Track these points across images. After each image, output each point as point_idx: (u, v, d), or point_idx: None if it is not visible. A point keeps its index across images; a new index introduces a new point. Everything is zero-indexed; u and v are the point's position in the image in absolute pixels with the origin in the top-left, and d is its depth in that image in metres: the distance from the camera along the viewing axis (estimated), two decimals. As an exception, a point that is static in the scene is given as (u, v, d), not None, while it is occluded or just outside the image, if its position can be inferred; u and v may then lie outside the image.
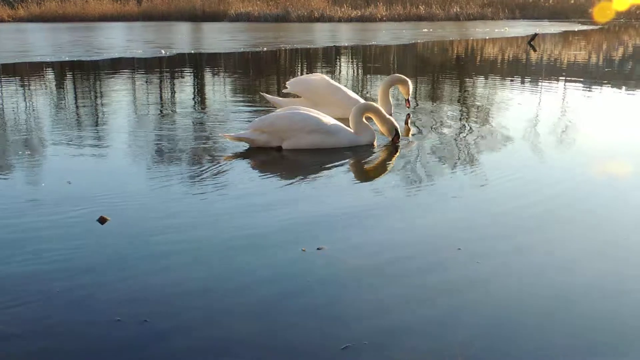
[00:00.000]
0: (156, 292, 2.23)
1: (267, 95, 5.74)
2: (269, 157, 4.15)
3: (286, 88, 5.46)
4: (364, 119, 4.40)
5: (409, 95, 5.69)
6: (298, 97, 5.51)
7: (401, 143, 4.41)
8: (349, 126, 4.40)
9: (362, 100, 5.16)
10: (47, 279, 2.32)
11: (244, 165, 3.94)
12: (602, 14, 30.37)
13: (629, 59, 12.49)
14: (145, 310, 2.09)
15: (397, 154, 4.19)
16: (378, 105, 4.57)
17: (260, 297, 2.20)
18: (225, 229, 2.85)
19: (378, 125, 4.44)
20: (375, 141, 4.45)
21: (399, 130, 4.45)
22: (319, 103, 5.17)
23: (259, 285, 2.29)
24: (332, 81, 5.41)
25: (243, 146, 4.35)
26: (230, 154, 4.19)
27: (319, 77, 5.43)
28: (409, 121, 5.03)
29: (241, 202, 3.22)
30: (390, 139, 4.44)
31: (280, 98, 5.70)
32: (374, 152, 4.27)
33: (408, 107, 5.76)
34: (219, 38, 18.79)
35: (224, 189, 3.46)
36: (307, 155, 4.18)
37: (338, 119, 4.50)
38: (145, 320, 2.03)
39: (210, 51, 13.92)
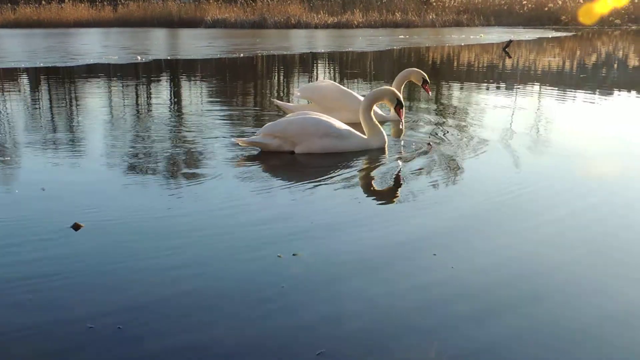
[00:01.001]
0: (130, 299, 2.21)
1: (277, 101, 5.82)
2: (280, 161, 4.18)
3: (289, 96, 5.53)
4: (374, 118, 4.47)
5: (421, 82, 5.71)
6: (304, 103, 5.63)
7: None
8: (359, 130, 4.45)
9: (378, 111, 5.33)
10: (19, 285, 2.30)
11: (226, 169, 3.93)
12: (588, 17, 30.70)
13: (602, 65, 12.67)
14: (119, 317, 2.08)
15: (400, 161, 4.16)
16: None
17: (237, 303, 2.19)
18: (202, 234, 2.84)
19: (385, 102, 4.56)
20: (387, 145, 4.48)
21: (400, 99, 4.57)
22: (331, 108, 5.26)
23: (235, 290, 2.29)
24: (342, 86, 5.52)
25: (230, 150, 4.35)
26: (207, 160, 4.19)
27: (329, 82, 5.55)
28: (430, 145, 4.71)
29: (218, 205, 3.22)
30: (393, 108, 4.57)
31: (290, 104, 5.76)
32: (382, 159, 4.26)
33: (429, 93, 5.86)
34: (196, 44, 18.73)
35: (199, 193, 3.46)
36: (317, 160, 4.22)
37: (349, 124, 4.57)
38: (119, 327, 2.02)
39: (187, 57, 13.87)
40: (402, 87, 5.74)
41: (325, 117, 4.35)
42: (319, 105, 5.36)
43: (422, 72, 5.70)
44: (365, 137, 4.42)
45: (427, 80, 5.70)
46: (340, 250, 2.67)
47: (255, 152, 4.35)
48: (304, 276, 2.41)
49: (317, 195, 3.43)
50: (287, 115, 4.60)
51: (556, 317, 2.10)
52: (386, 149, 4.46)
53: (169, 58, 13.59)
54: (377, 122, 4.51)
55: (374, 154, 4.35)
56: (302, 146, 4.28)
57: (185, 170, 3.96)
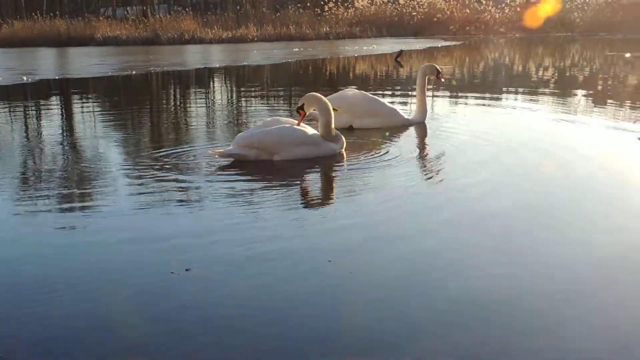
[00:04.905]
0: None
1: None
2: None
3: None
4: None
5: (435, 74, 6.00)
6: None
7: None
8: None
9: (398, 110, 5.87)
10: None
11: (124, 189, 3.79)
12: (475, 26, 31.90)
13: (490, 70, 13.19)
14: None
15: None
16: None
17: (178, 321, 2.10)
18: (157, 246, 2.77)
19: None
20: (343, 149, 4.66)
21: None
22: (359, 115, 5.68)
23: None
24: (368, 94, 5.82)
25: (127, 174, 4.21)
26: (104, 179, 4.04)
27: (355, 91, 5.90)
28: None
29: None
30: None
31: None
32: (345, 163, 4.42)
33: (443, 80, 6.23)
34: (86, 62, 18.16)
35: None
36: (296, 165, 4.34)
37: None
38: None
39: (77, 76, 13.41)
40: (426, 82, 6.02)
41: (297, 126, 4.47)
42: (348, 113, 5.63)
43: (434, 65, 6.04)
44: (332, 144, 4.57)
45: (439, 71, 6.02)
46: (235, 262, 2.62)
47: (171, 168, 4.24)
48: (202, 290, 2.35)
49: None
50: (257, 125, 4.71)
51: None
52: (343, 152, 4.63)
53: (57, 77, 13.10)
54: (333, 128, 4.62)
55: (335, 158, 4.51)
56: (280, 155, 4.39)
57: (70, 191, 3.80)
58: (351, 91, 5.91)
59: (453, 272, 2.53)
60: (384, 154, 4.62)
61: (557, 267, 2.55)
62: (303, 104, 4.54)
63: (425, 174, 4.20)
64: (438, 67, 6.01)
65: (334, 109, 5.24)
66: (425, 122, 5.91)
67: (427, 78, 6.00)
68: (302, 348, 1.98)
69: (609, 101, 7.71)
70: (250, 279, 2.49)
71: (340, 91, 5.98)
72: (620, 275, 2.46)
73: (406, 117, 5.92)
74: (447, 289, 2.38)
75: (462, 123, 6.16)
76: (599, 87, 9.62)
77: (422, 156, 4.66)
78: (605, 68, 13.11)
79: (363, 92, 5.89)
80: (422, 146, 5.15)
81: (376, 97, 5.97)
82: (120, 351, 1.97)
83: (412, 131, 5.65)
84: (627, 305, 2.22)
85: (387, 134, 5.33)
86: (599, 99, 8.14)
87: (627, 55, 15.35)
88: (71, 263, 2.72)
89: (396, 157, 4.51)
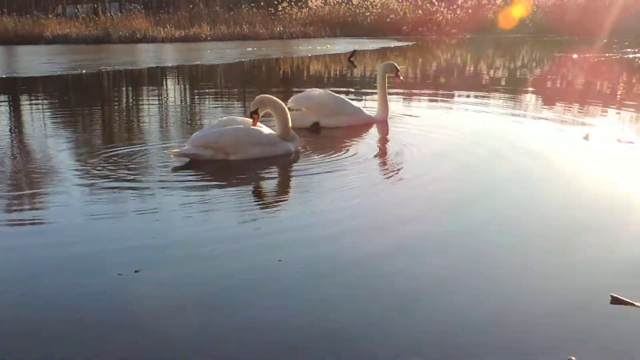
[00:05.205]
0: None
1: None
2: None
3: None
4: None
5: (394, 72, 6.09)
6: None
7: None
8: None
9: (363, 110, 5.99)
10: None
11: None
12: (427, 27, 32.24)
13: (441, 70, 13.34)
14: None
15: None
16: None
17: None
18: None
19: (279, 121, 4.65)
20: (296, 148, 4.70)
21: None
22: (326, 114, 5.77)
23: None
24: (334, 93, 5.93)
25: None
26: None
27: (321, 90, 5.96)
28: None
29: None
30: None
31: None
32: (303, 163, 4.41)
33: (402, 78, 6.30)
34: (35, 61, 17.75)
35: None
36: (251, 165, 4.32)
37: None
38: None
39: (25, 75, 13.09)
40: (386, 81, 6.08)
41: (253, 126, 4.48)
42: (315, 113, 5.76)
43: (393, 63, 6.12)
44: (289, 143, 4.60)
45: (398, 69, 6.11)
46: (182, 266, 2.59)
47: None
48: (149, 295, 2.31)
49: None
50: (213, 124, 4.69)
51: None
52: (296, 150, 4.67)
53: (4, 76, 12.77)
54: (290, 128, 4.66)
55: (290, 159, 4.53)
56: (236, 155, 4.38)
57: (19, 191, 3.72)
58: (317, 91, 5.96)
59: (401, 268, 2.56)
60: (344, 152, 4.67)
61: (514, 260, 2.61)
62: (257, 108, 4.52)
63: (384, 172, 4.24)
64: (397, 65, 6.09)
65: (298, 110, 5.31)
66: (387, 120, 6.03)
67: (386, 76, 6.05)
68: (252, 346, 1.98)
69: (559, 100, 7.88)
70: (199, 278, 2.48)
71: (306, 90, 6.03)
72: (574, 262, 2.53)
73: (370, 115, 6.02)
74: (396, 285, 2.40)
75: (419, 121, 6.24)
76: (549, 87, 9.82)
77: (381, 154, 4.71)
78: (554, 69, 13.39)
79: (328, 91, 5.95)
80: (382, 144, 5.22)
81: (342, 96, 6.03)
82: (59, 352, 1.94)
83: (374, 129, 5.74)
84: (575, 290, 2.28)
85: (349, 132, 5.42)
86: (548, 98, 8.31)
87: (575, 56, 15.70)
88: (12, 264, 2.68)
89: (354, 154, 4.57)
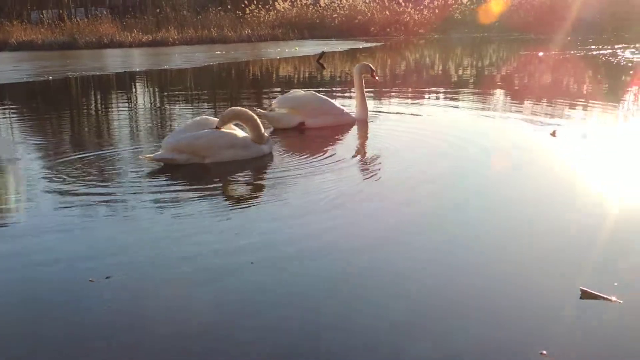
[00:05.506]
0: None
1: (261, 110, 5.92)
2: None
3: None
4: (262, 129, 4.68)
5: (370, 73, 6.15)
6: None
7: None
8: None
9: (345, 110, 6.06)
10: None
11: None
12: (395, 27, 32.36)
13: (410, 70, 13.43)
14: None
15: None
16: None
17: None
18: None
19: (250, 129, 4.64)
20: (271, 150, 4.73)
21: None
22: (311, 115, 5.82)
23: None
24: (318, 94, 6.01)
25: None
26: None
27: (306, 91, 6.05)
28: None
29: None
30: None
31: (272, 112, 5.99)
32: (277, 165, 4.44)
33: (377, 78, 6.32)
34: (0, 69, 17.50)
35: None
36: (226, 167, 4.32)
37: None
38: None
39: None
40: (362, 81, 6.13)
41: (224, 129, 4.50)
42: (300, 113, 5.81)
43: (368, 64, 6.17)
44: (262, 145, 4.62)
45: (374, 69, 6.17)
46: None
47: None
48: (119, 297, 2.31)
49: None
50: (187, 124, 4.65)
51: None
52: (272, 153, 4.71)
53: (-33, 84, 12.57)
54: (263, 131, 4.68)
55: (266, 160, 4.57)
56: (210, 158, 4.39)
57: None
58: (300, 91, 6.05)
59: (375, 264, 2.59)
60: (322, 153, 4.69)
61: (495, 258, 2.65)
62: (223, 124, 4.52)
63: (364, 171, 4.27)
64: (372, 66, 6.17)
65: (282, 111, 5.35)
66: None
67: (363, 77, 6.12)
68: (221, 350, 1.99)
69: (526, 98, 7.99)
70: (172, 283, 2.48)
71: (290, 91, 6.10)
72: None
73: (352, 115, 6.12)
74: (370, 281, 2.43)
75: (395, 120, 6.34)
76: (516, 85, 9.95)
77: (359, 154, 4.75)
78: (520, 67, 13.56)
79: (313, 92, 6.04)
80: (362, 144, 5.29)
81: (326, 97, 6.10)
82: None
83: (354, 129, 5.85)
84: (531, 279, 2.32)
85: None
86: (516, 96, 8.42)
87: (541, 54, 15.91)
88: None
89: (333, 155, 4.63)
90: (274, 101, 6.06)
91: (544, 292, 2.32)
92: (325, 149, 4.86)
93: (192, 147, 4.36)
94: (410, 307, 2.24)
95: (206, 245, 2.88)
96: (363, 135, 5.63)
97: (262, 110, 6.01)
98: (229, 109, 4.60)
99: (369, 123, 6.05)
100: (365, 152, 4.85)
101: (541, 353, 1.90)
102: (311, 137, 5.56)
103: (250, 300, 2.31)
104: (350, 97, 7.80)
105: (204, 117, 4.73)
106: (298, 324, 2.13)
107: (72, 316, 2.22)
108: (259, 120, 4.60)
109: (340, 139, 5.39)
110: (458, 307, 2.23)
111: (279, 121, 5.82)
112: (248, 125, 4.56)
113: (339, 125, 5.89)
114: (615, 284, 2.34)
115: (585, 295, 2.25)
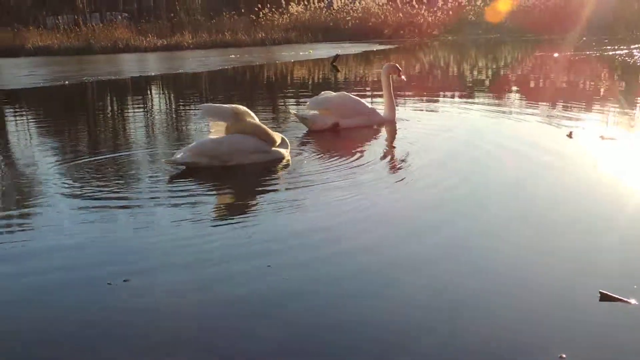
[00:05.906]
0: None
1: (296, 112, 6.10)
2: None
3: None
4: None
5: (397, 73, 6.24)
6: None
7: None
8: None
9: (376, 109, 6.17)
10: None
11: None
12: (409, 29, 32.32)
13: (426, 72, 13.40)
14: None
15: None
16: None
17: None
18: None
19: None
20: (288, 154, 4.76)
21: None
22: (345, 115, 5.91)
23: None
24: (351, 95, 6.09)
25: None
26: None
27: (338, 93, 6.13)
28: None
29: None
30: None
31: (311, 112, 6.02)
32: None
33: (404, 78, 6.40)
34: (17, 73, 17.62)
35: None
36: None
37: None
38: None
39: (6, 88, 13.00)
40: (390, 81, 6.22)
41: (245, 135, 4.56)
42: (334, 114, 5.87)
43: (395, 64, 6.25)
44: (281, 149, 4.69)
45: (400, 69, 6.27)
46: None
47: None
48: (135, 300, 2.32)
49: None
50: (209, 136, 4.69)
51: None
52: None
53: (-16, 90, 12.69)
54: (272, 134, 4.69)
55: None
56: (234, 162, 4.47)
57: (6, 200, 3.71)
58: (332, 93, 6.10)
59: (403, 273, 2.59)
60: (350, 156, 4.69)
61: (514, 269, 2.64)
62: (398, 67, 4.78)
63: (392, 174, 4.26)
64: (399, 66, 6.23)
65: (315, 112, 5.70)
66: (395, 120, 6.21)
67: (390, 77, 6.17)
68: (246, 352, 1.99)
69: (543, 99, 7.95)
70: (191, 286, 2.49)
71: (322, 93, 6.14)
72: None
73: (382, 116, 6.19)
74: (398, 291, 2.43)
75: (422, 121, 6.35)
76: (532, 86, 9.90)
77: (388, 156, 4.78)
78: (536, 68, 13.49)
79: (346, 93, 6.10)
80: (390, 145, 5.35)
81: (358, 98, 6.15)
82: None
83: (383, 131, 5.91)
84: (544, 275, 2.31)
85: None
86: (533, 97, 8.37)
87: (556, 55, 15.83)
88: (3, 274, 2.68)
89: (363, 157, 4.65)
90: (307, 102, 6.12)
91: (563, 295, 2.31)
92: (354, 150, 4.86)
93: (216, 151, 4.45)
94: (425, 309, 2.24)
95: (226, 249, 2.89)
96: (392, 137, 5.69)
97: (295, 113, 6.11)
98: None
99: (396, 123, 6.12)
100: (393, 155, 4.87)
101: (560, 356, 1.90)
102: (342, 138, 5.61)
103: (268, 304, 2.31)
104: (365, 97, 7.83)
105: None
106: (315, 326, 2.14)
107: (91, 318, 2.24)
108: (264, 126, 4.62)
109: (370, 141, 5.47)
110: (476, 308, 2.23)
111: (314, 122, 5.88)
112: (256, 133, 4.59)
113: (370, 125, 5.99)
114: (635, 286, 2.32)
115: (604, 297, 2.24)
